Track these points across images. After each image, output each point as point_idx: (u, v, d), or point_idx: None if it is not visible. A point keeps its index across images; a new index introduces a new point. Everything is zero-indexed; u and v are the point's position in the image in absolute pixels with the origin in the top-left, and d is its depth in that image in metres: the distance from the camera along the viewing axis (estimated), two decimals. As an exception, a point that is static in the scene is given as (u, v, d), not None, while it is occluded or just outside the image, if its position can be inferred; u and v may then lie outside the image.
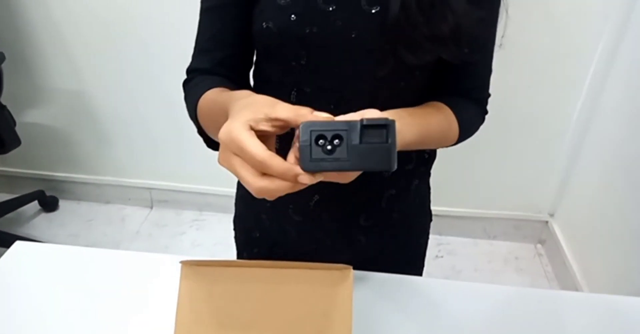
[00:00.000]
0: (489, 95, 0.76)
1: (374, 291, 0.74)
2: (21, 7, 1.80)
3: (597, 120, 1.73)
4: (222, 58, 0.69)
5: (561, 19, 1.60)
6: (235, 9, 0.67)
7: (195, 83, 0.68)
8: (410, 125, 0.60)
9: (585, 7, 1.58)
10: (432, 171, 0.84)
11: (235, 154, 0.43)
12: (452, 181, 1.91)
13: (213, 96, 0.61)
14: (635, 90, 1.52)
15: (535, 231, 2.07)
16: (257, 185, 0.42)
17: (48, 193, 2.20)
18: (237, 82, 0.69)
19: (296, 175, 0.42)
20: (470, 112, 0.73)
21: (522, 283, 1.89)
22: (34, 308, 0.72)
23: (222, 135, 0.43)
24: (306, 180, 0.43)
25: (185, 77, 0.72)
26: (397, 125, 0.46)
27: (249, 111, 0.45)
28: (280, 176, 0.42)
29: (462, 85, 0.72)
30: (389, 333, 0.69)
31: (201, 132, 0.65)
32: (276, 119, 0.44)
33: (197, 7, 0.73)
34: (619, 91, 1.61)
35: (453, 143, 0.72)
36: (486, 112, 0.77)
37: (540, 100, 1.78)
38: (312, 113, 0.45)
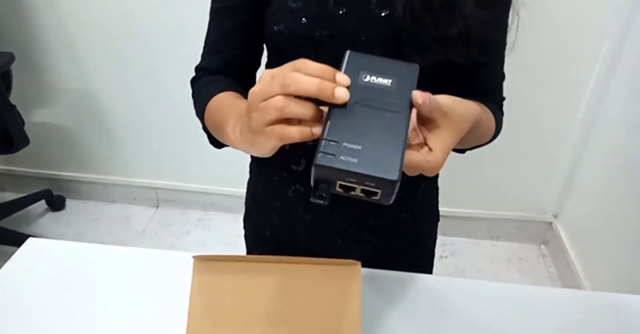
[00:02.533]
0: (503, 98, 0.76)
1: (382, 288, 0.75)
2: (30, 9, 1.82)
3: (600, 121, 1.73)
4: (229, 59, 0.71)
5: (564, 22, 1.61)
6: (244, 11, 0.69)
7: (205, 82, 0.70)
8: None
9: (589, 11, 1.59)
10: (437, 171, 0.84)
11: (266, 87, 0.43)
12: (456, 182, 1.92)
13: (225, 98, 0.64)
14: (638, 91, 1.53)
15: (539, 232, 2.08)
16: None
17: (55, 193, 2.22)
18: (244, 81, 0.71)
19: (335, 74, 0.43)
20: (497, 112, 0.73)
21: (525, 284, 1.90)
22: (48, 303, 0.73)
23: (269, 72, 0.44)
24: (344, 80, 0.43)
25: (192, 74, 0.74)
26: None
27: None
28: (320, 73, 0.42)
29: (476, 89, 0.71)
30: (396, 329, 0.70)
31: (205, 128, 0.68)
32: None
33: (201, 9, 0.75)
34: (622, 93, 1.62)
35: (490, 138, 0.72)
36: (503, 114, 0.76)
37: (544, 102, 1.79)
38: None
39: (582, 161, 1.85)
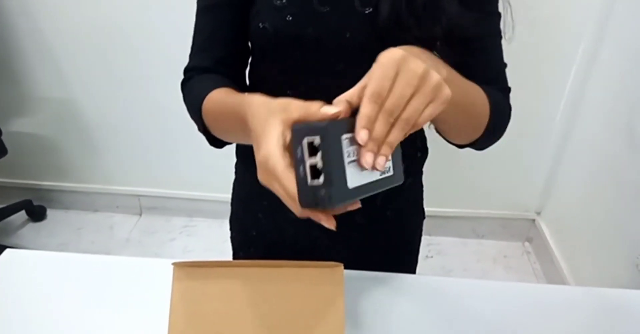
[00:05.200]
0: (508, 88, 0.73)
1: (367, 289, 0.75)
2: (5, 16, 1.79)
3: (579, 119, 1.76)
4: (221, 57, 0.70)
5: (542, 22, 1.63)
6: (231, 8, 0.68)
7: (195, 82, 0.69)
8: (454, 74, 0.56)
9: (565, 11, 1.61)
10: (421, 171, 0.85)
11: None
12: (441, 181, 1.93)
13: (220, 97, 0.62)
14: (615, 89, 1.56)
15: (523, 230, 2.10)
16: (298, 210, 0.45)
17: (35, 203, 2.18)
18: (235, 80, 0.71)
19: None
20: (496, 95, 0.69)
21: (511, 281, 1.92)
22: (27, 316, 0.71)
23: (261, 159, 0.45)
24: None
25: (173, 80, 0.73)
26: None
27: (272, 126, 0.45)
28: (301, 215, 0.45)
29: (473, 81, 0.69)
30: (381, 330, 0.70)
31: (204, 130, 0.66)
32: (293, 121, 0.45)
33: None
34: (600, 91, 1.65)
35: (485, 124, 0.67)
36: (510, 105, 0.72)
37: (524, 101, 1.79)
38: (320, 109, 0.45)
39: (562, 159, 1.87)
